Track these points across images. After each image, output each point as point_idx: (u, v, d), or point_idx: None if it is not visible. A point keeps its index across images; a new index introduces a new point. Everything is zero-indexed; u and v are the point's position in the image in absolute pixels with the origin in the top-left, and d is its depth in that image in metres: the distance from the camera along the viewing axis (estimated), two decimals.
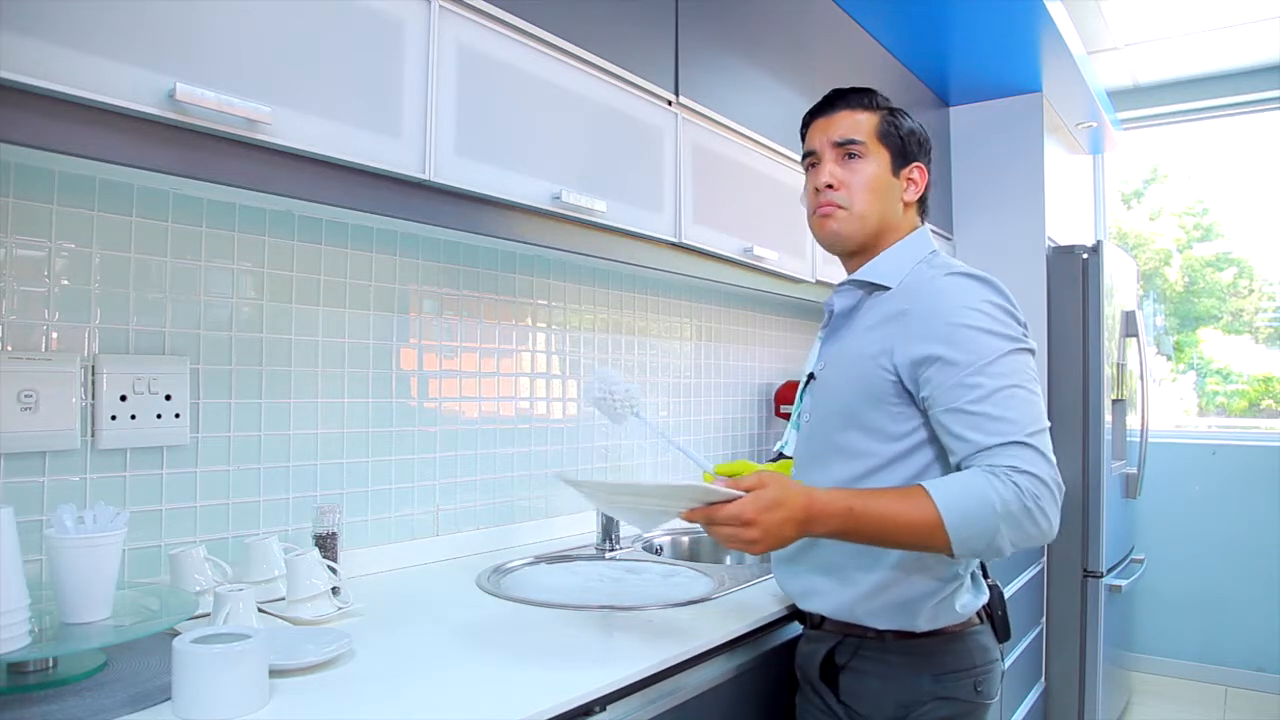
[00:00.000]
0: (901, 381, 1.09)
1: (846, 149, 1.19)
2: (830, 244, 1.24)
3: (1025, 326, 1.09)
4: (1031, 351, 1.08)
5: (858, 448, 1.13)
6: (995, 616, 1.20)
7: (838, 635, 1.16)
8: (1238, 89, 3.77)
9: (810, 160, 1.24)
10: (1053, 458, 1.01)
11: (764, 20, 1.99)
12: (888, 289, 1.16)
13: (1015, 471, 0.98)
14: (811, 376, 1.24)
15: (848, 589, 1.13)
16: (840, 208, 1.20)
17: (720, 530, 0.97)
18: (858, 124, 1.20)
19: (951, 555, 0.99)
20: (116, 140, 0.90)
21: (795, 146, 2.07)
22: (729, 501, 0.96)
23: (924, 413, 1.08)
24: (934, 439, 1.09)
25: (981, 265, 1.19)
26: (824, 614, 1.17)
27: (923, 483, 1.01)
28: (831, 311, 1.24)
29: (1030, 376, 1.05)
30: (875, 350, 1.11)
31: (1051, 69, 2.86)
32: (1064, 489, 1.01)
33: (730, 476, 1.29)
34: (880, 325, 1.13)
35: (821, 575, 1.16)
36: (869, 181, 1.19)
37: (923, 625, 1.11)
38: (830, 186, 1.20)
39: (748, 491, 0.97)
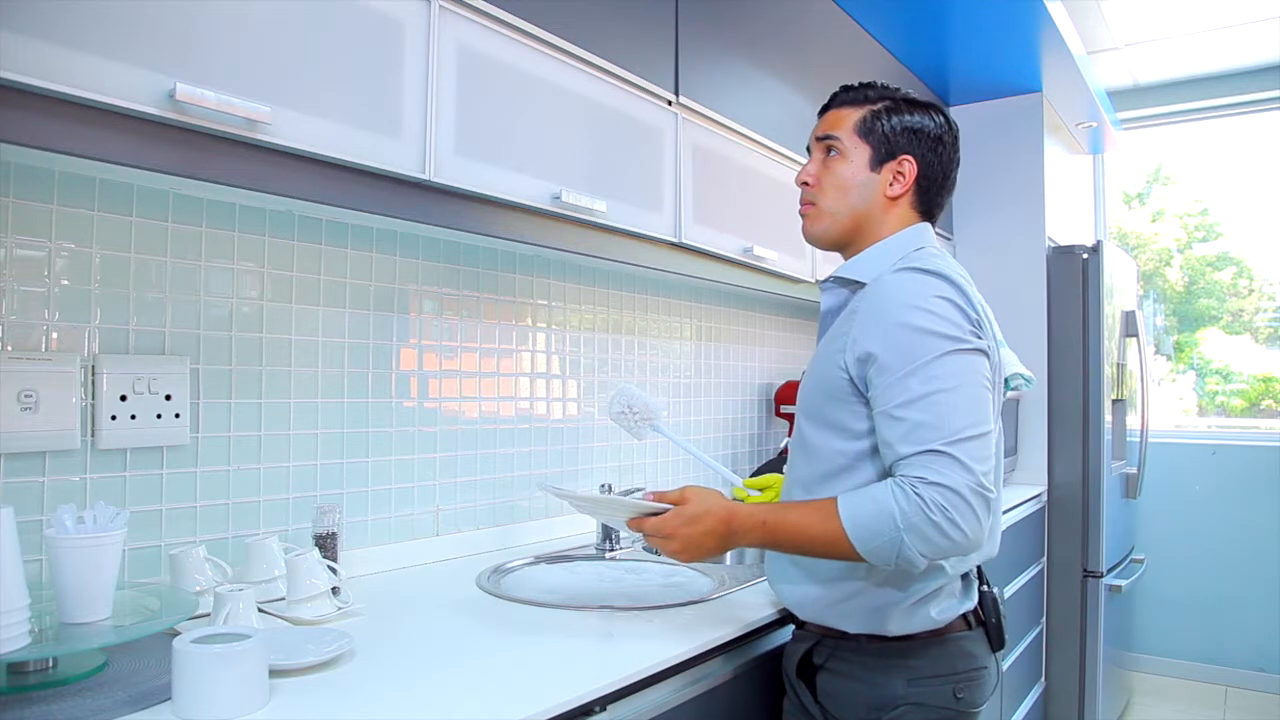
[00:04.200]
0: (853, 379, 1.08)
1: (825, 144, 1.21)
2: (809, 240, 1.26)
3: (978, 325, 1.05)
4: (980, 351, 1.04)
5: (824, 446, 1.13)
6: (989, 624, 1.18)
7: (817, 636, 1.17)
8: (1238, 89, 3.77)
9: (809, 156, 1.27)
10: (976, 465, 0.97)
11: (764, 20, 1.99)
12: (865, 285, 1.14)
13: (922, 483, 0.96)
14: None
15: (823, 591, 1.14)
16: (811, 204, 1.22)
17: (649, 540, 1.11)
18: (839, 120, 1.21)
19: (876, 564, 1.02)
20: (116, 140, 0.90)
21: (795, 146, 2.09)
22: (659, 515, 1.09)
23: None
24: None
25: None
26: (800, 614, 1.18)
27: (837, 494, 1.04)
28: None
29: (970, 379, 1.02)
30: (834, 349, 1.12)
31: (1051, 69, 2.86)
32: (989, 495, 0.98)
33: (760, 490, 1.37)
34: (841, 322, 1.14)
35: (803, 576, 1.17)
36: (838, 179, 1.20)
37: (894, 630, 1.11)
38: (805, 183, 1.23)
39: (674, 504, 1.09)
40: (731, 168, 1.87)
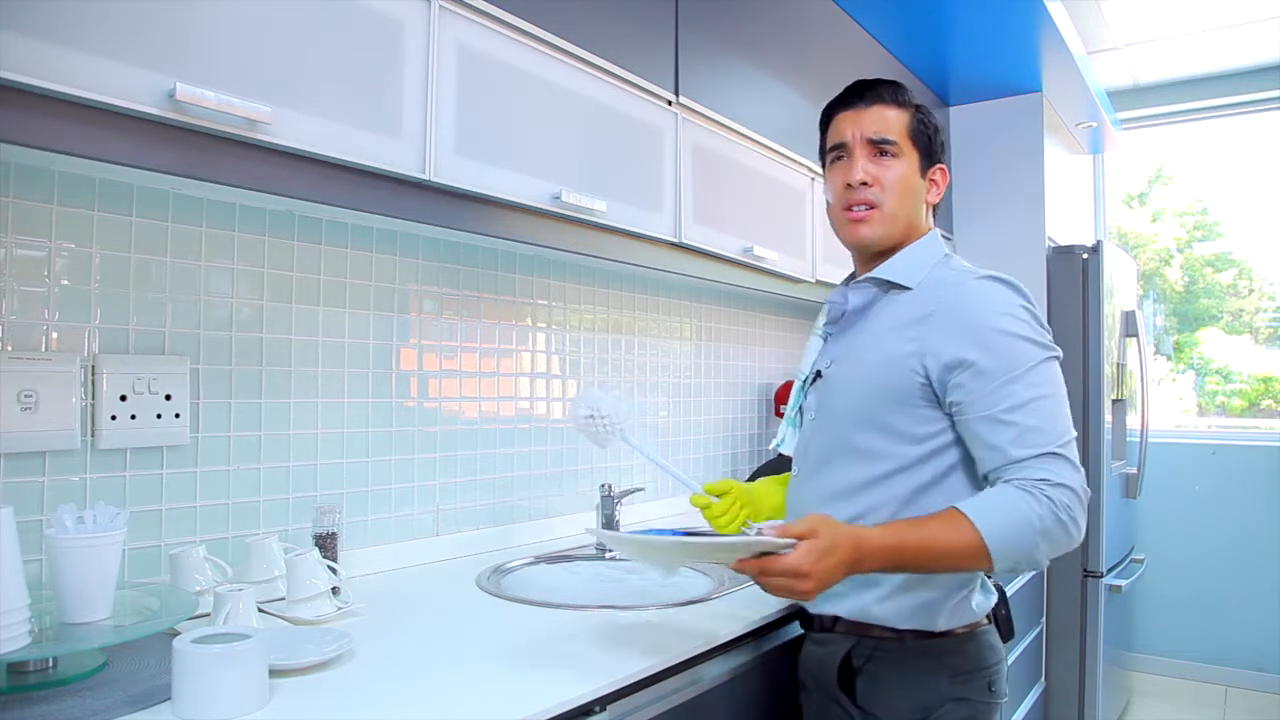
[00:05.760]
0: (931, 384, 1.08)
1: (879, 146, 1.16)
2: (862, 246, 1.20)
3: (1050, 332, 1.09)
4: (1060, 360, 1.08)
5: (877, 449, 1.12)
6: (1000, 616, 1.20)
7: (852, 638, 1.14)
8: (1238, 89, 3.77)
9: (836, 154, 1.20)
10: (1080, 465, 1.02)
11: (764, 20, 1.99)
12: (907, 289, 1.14)
13: (1048, 485, 0.98)
14: (818, 375, 1.21)
15: (867, 590, 1.12)
16: (874, 206, 1.16)
17: (773, 582, 0.94)
18: (890, 121, 1.17)
19: (993, 572, 1.01)
20: (116, 140, 0.90)
21: (795, 146, 2.08)
22: (777, 552, 0.93)
23: (949, 416, 1.08)
24: (958, 442, 1.09)
25: (981, 265, 1.18)
26: (840, 615, 1.15)
27: (959, 505, 1.00)
28: (844, 310, 1.21)
29: (1060, 385, 1.05)
30: (904, 352, 1.09)
31: (1051, 69, 2.86)
32: (1090, 493, 1.02)
33: (719, 496, 1.26)
34: (906, 327, 1.11)
35: None
36: (901, 180, 1.16)
37: (942, 625, 1.11)
38: (865, 184, 1.16)
39: (799, 538, 0.94)
40: (731, 168, 1.87)
